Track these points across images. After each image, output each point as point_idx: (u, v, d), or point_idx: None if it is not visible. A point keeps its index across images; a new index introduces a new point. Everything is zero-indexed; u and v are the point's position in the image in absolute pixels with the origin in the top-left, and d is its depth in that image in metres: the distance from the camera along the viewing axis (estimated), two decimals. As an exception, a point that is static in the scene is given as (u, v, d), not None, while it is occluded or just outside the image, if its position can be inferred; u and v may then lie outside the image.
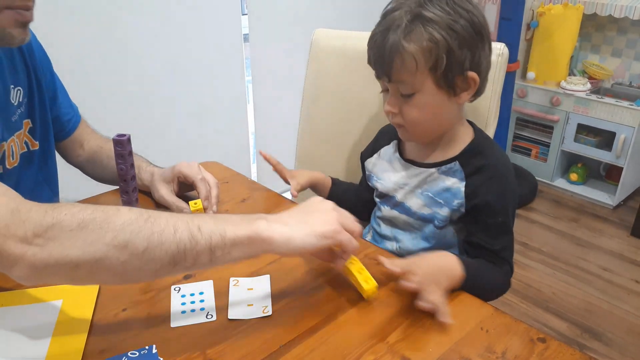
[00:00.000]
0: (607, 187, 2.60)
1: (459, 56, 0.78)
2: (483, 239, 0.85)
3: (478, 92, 0.85)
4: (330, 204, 0.72)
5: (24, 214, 0.56)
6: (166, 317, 0.69)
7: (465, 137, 0.88)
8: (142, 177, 0.99)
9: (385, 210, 0.96)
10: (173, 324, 0.68)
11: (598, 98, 2.42)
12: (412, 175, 0.90)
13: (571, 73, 2.66)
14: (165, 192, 0.95)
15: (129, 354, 0.62)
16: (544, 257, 2.14)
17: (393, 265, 0.71)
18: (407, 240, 0.93)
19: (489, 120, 1.03)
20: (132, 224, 0.58)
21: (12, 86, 0.91)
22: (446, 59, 0.77)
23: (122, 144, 0.76)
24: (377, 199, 0.99)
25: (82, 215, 0.57)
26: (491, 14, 2.60)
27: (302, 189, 1.03)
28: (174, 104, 1.91)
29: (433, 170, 0.88)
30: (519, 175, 2.66)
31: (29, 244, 0.55)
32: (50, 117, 1.03)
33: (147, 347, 0.63)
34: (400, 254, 0.94)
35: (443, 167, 0.87)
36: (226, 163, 1.16)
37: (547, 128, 2.64)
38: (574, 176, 2.64)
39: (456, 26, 0.78)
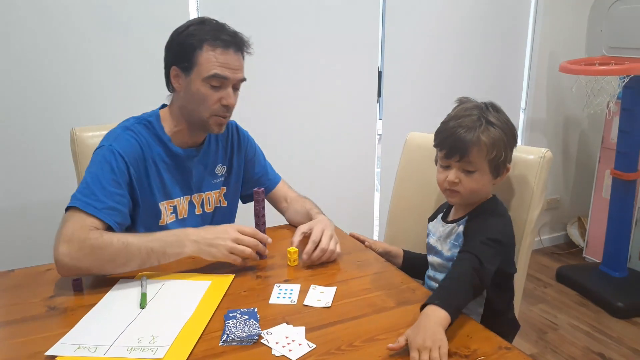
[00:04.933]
0: None
1: (508, 154, 1.18)
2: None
3: None
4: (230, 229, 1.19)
5: (76, 233, 1.12)
6: (267, 298, 1.11)
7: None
8: (312, 215, 1.38)
9: (430, 258, 1.31)
10: (270, 302, 1.09)
11: None
12: (445, 229, 1.26)
13: None
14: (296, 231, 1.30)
15: (241, 309, 1.04)
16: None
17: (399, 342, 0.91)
18: (440, 277, 1.27)
19: (532, 204, 1.32)
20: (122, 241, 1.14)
21: (220, 164, 1.43)
22: (499, 153, 1.16)
23: (258, 194, 1.26)
24: (428, 251, 1.33)
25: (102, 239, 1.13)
26: (615, 127, 2.74)
27: (377, 251, 1.38)
28: (306, 190, 2.43)
29: (454, 224, 1.23)
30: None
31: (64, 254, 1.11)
32: (242, 190, 1.49)
33: (252, 308, 1.05)
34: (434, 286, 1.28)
35: (460, 221, 1.22)
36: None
37: (676, 240, 2.59)
38: None
39: (508, 132, 1.17)
